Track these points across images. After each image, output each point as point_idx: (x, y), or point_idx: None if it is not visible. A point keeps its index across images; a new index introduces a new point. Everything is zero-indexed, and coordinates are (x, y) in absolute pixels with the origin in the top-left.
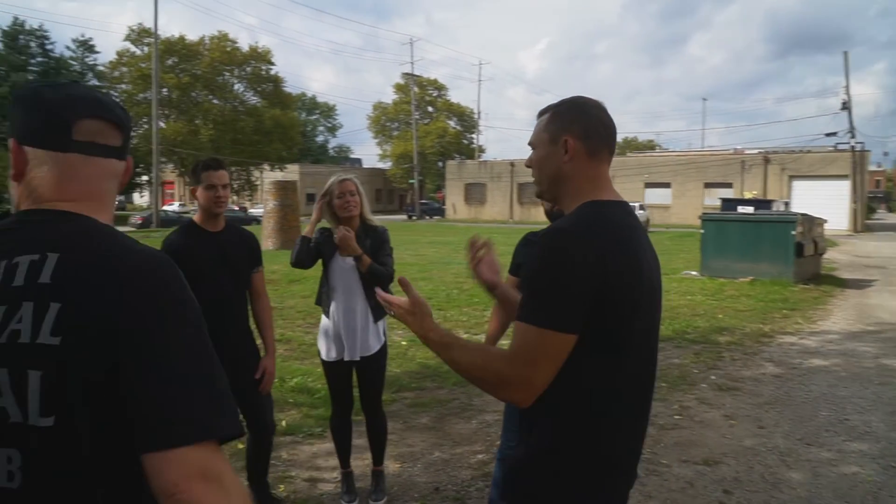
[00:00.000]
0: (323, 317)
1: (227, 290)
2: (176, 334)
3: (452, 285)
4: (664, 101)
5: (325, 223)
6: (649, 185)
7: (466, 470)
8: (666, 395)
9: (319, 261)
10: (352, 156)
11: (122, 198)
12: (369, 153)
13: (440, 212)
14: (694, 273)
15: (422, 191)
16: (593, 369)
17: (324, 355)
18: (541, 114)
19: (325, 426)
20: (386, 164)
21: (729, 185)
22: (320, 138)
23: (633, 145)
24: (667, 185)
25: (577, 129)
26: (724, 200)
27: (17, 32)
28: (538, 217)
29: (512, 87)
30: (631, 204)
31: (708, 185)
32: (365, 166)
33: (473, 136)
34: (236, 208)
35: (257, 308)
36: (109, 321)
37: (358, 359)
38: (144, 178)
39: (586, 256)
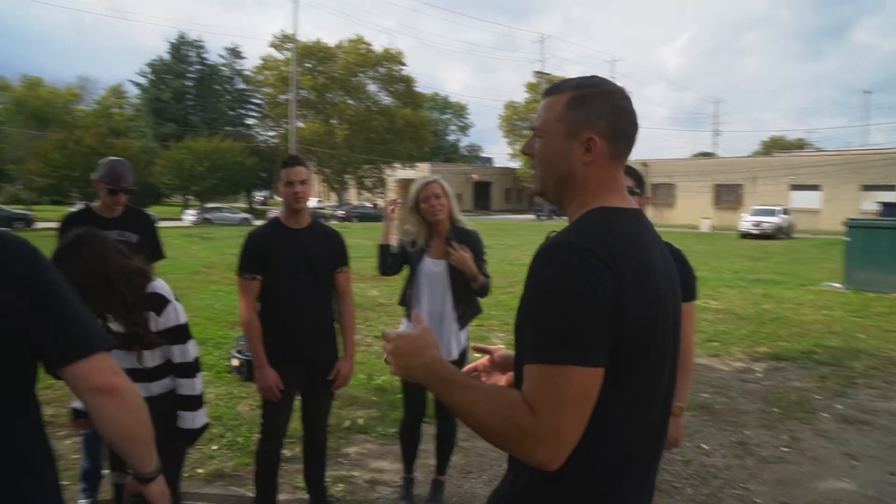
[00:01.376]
0: (405, 319)
1: (306, 288)
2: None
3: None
4: (819, 95)
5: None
6: (795, 187)
7: None
8: (776, 421)
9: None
10: (483, 154)
11: (264, 194)
12: (500, 152)
13: None
14: (837, 285)
15: None
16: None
17: None
18: (550, 92)
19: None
20: (516, 164)
21: (892, 188)
22: (452, 137)
23: (780, 144)
24: (816, 188)
25: (606, 127)
26: (886, 205)
27: (180, 44)
28: (671, 218)
29: (650, 84)
30: (772, 208)
31: (866, 188)
32: (496, 165)
33: None
34: (368, 205)
35: (340, 309)
36: None
37: None
38: None
39: (601, 274)
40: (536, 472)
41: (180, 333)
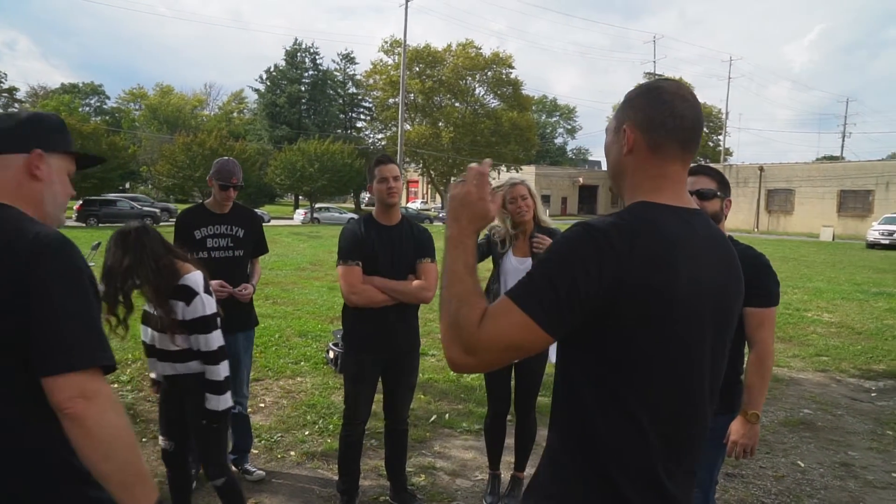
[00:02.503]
0: None
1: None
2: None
3: None
4: None
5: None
6: None
7: None
8: (889, 445)
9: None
10: (591, 158)
11: (369, 195)
12: None
13: None
14: None
15: None
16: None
17: None
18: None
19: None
20: None
21: None
22: (559, 140)
23: None
24: None
25: (639, 118)
26: None
27: (295, 51)
28: (787, 226)
29: (773, 84)
30: None
31: None
32: (603, 169)
33: (720, 137)
34: None
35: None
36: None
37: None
38: None
39: (600, 260)
40: (556, 455)
41: (205, 324)
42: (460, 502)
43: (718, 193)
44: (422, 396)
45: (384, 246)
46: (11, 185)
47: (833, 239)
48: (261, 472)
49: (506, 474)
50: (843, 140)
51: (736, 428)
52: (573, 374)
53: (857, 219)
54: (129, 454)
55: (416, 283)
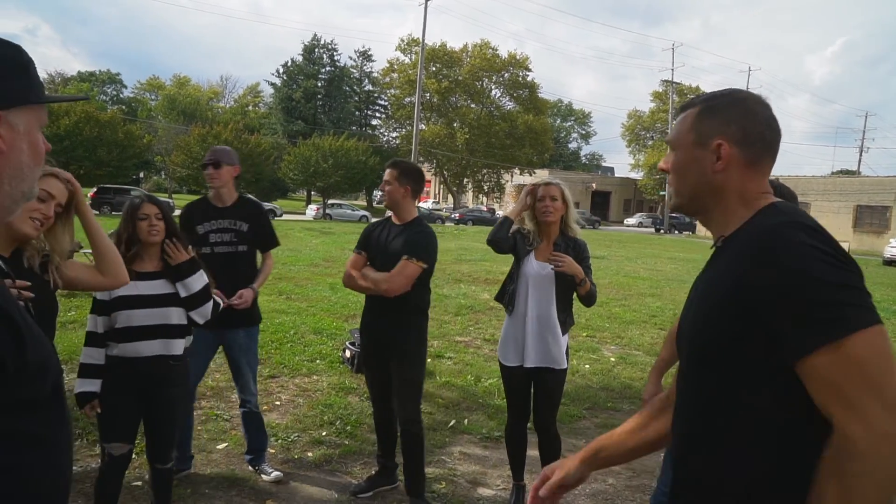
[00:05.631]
0: (507, 318)
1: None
2: None
3: (682, 304)
4: None
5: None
6: None
7: None
8: None
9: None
10: (604, 164)
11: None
12: (622, 162)
13: (691, 227)
14: None
15: None
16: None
17: (503, 360)
18: (684, 108)
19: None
20: (638, 174)
21: None
22: (573, 145)
23: None
24: None
25: (736, 132)
26: None
27: (313, 47)
28: None
29: (792, 96)
30: None
31: None
32: (616, 175)
33: None
34: (484, 209)
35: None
36: None
37: (540, 367)
38: None
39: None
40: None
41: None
42: None
43: None
44: (440, 400)
45: (383, 241)
46: None
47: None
48: (278, 472)
49: (530, 485)
50: (861, 154)
51: None
52: (793, 402)
53: (873, 235)
54: None
55: (380, 274)
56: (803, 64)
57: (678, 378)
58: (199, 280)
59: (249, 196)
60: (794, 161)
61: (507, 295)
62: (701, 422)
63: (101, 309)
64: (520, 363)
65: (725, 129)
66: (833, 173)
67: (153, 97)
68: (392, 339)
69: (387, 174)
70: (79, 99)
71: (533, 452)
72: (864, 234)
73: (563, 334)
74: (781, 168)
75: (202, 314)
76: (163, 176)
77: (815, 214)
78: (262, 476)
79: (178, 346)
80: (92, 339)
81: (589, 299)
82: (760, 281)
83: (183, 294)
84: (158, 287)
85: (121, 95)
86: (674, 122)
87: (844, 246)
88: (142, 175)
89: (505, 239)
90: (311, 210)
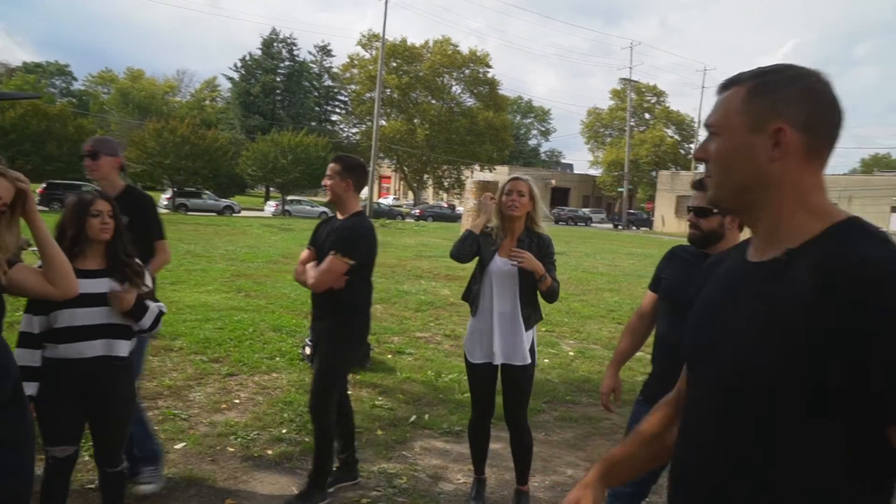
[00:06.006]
0: (472, 318)
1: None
2: None
3: (639, 298)
4: None
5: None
6: None
7: None
8: None
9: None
10: (563, 160)
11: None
12: (581, 159)
13: (648, 223)
14: None
15: (631, 200)
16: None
17: (469, 357)
18: (727, 86)
19: (465, 427)
20: (597, 171)
21: None
22: (533, 142)
23: (884, 162)
24: None
25: (797, 114)
26: None
27: (272, 41)
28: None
29: None
30: None
31: None
32: (575, 171)
33: (691, 145)
34: (444, 205)
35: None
36: None
37: (506, 363)
38: None
39: None
40: None
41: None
42: None
43: (716, 210)
44: (400, 396)
45: (324, 237)
46: None
47: None
48: (151, 485)
49: (491, 479)
50: None
51: None
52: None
53: None
54: None
55: (313, 269)
56: (756, 64)
57: (696, 403)
58: (150, 316)
59: (135, 186)
60: None
61: (472, 294)
62: (743, 457)
63: (37, 308)
64: (486, 360)
65: (785, 111)
66: None
67: (105, 90)
68: (324, 333)
69: (329, 168)
70: (32, 97)
71: (494, 446)
72: None
73: (528, 330)
74: None
75: (141, 324)
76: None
77: None
78: (139, 487)
79: (123, 347)
80: (27, 340)
81: (550, 296)
82: (871, 328)
83: (135, 328)
84: (103, 285)
85: (71, 88)
86: (715, 104)
87: None
88: None
89: (468, 253)
90: (270, 206)
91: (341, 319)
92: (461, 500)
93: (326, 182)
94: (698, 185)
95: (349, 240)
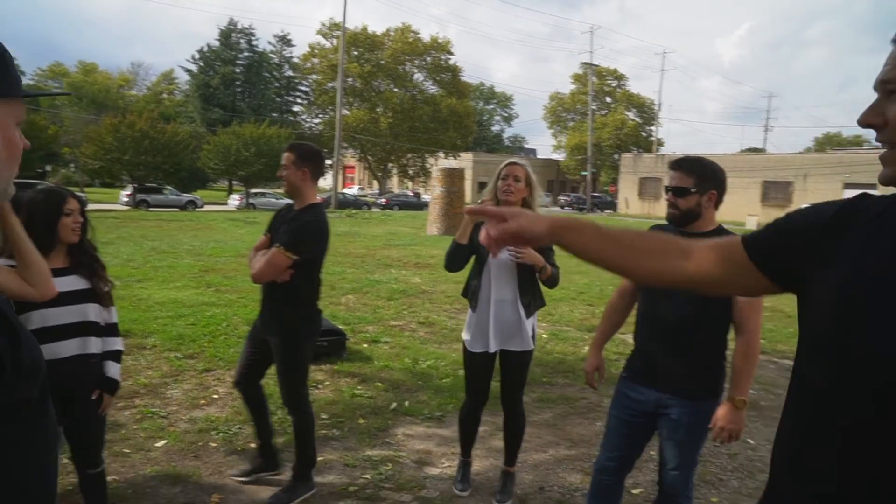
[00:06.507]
0: (471, 311)
1: None
2: None
3: (608, 281)
4: None
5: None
6: (850, 185)
7: (577, 474)
8: None
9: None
10: (526, 146)
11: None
12: (545, 143)
13: (612, 205)
14: None
15: (595, 183)
16: None
17: (469, 346)
18: None
19: (446, 412)
20: (560, 156)
21: None
22: (496, 128)
23: (836, 141)
24: (873, 187)
25: None
26: None
27: (230, 31)
28: (724, 215)
29: (704, 77)
30: None
31: None
32: (539, 156)
33: (653, 128)
34: (410, 193)
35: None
36: None
37: (505, 349)
38: (328, 162)
39: None
40: None
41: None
42: (430, 490)
43: (693, 189)
44: (379, 384)
45: (278, 226)
46: None
47: (758, 227)
48: None
49: (478, 463)
50: (766, 133)
51: (722, 414)
52: None
53: (778, 208)
54: None
55: (257, 260)
56: (714, 47)
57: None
58: (117, 367)
59: (16, 181)
60: (708, 139)
61: (471, 289)
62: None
63: None
64: (484, 349)
65: None
66: (742, 151)
67: (57, 85)
68: (266, 325)
69: (284, 158)
70: (62, 94)
71: (479, 429)
72: (770, 208)
73: (529, 317)
74: (699, 147)
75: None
76: (72, 169)
77: (729, 190)
78: None
79: (96, 345)
80: None
81: (552, 283)
82: None
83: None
84: (71, 283)
85: None
86: (890, 57)
87: (754, 220)
88: (48, 168)
89: (461, 263)
90: (234, 200)
91: (285, 311)
92: (447, 483)
93: (282, 173)
94: (675, 164)
95: (295, 235)
